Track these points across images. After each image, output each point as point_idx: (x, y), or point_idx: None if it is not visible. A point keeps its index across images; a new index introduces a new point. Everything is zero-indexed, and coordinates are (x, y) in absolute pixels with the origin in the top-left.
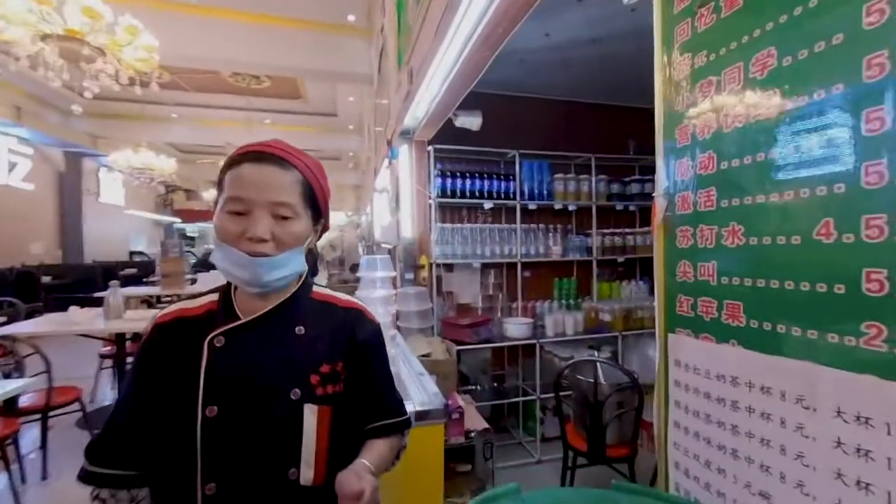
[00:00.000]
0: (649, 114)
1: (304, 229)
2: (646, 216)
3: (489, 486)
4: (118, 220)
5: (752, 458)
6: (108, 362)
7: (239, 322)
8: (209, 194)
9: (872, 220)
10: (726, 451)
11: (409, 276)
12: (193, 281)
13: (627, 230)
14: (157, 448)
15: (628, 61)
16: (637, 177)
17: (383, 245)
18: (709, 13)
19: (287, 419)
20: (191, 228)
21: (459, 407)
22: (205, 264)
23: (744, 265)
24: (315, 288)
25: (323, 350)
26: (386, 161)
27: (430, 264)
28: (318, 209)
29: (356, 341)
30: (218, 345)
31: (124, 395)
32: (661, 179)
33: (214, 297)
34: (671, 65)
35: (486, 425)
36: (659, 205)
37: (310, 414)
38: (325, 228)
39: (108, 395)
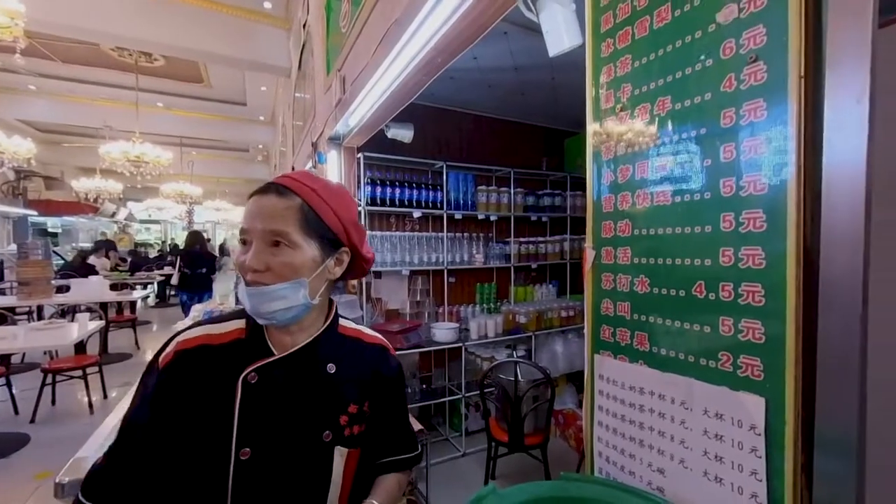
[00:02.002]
0: (559, 134)
1: (302, 259)
2: (555, 226)
3: (421, 484)
4: None
5: (653, 445)
6: None
7: (272, 358)
8: (79, 183)
9: (725, 286)
10: (635, 441)
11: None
12: (65, 289)
13: (540, 239)
14: (171, 485)
15: (544, 88)
16: (548, 191)
17: None
18: (627, 116)
19: (318, 462)
20: (52, 223)
21: None
22: (80, 268)
23: (649, 308)
24: (341, 321)
25: (352, 389)
26: (310, 163)
27: None
28: (330, 236)
29: (381, 380)
30: (252, 381)
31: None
32: (590, 234)
33: (241, 323)
34: (597, 158)
35: (420, 427)
36: (589, 254)
37: (339, 457)
38: (362, 258)
39: None
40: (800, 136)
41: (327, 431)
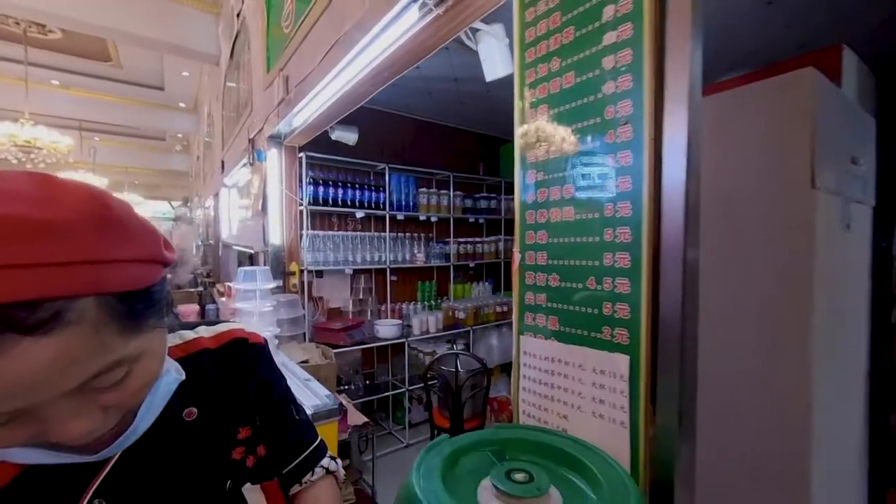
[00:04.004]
0: (495, 141)
1: (155, 359)
2: (491, 227)
3: (368, 477)
4: None
5: (560, 399)
6: None
7: (109, 467)
8: None
9: (606, 280)
10: (547, 397)
11: (279, 282)
12: None
13: (477, 239)
14: None
15: (481, 99)
16: (485, 194)
17: (235, 248)
18: (543, 152)
19: None
20: None
21: (344, 406)
22: None
23: (559, 298)
24: (169, 341)
25: (228, 413)
26: (245, 158)
27: (302, 271)
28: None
29: (254, 377)
30: None
31: None
32: (517, 241)
33: None
34: (524, 181)
35: (365, 420)
36: (517, 257)
37: (255, 496)
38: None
39: None
40: (650, 178)
41: (228, 481)
